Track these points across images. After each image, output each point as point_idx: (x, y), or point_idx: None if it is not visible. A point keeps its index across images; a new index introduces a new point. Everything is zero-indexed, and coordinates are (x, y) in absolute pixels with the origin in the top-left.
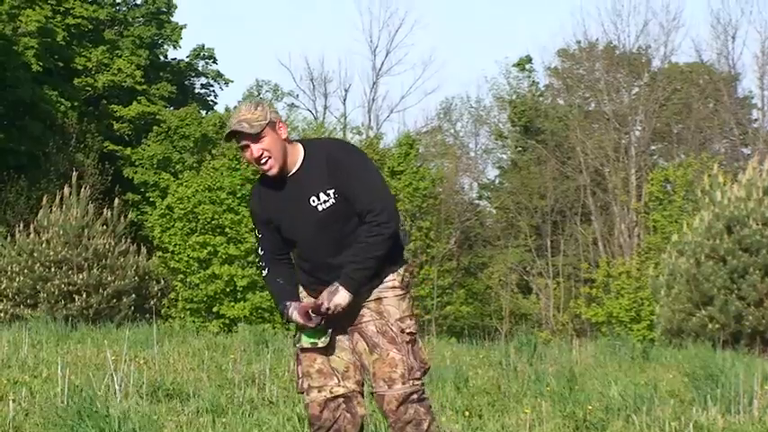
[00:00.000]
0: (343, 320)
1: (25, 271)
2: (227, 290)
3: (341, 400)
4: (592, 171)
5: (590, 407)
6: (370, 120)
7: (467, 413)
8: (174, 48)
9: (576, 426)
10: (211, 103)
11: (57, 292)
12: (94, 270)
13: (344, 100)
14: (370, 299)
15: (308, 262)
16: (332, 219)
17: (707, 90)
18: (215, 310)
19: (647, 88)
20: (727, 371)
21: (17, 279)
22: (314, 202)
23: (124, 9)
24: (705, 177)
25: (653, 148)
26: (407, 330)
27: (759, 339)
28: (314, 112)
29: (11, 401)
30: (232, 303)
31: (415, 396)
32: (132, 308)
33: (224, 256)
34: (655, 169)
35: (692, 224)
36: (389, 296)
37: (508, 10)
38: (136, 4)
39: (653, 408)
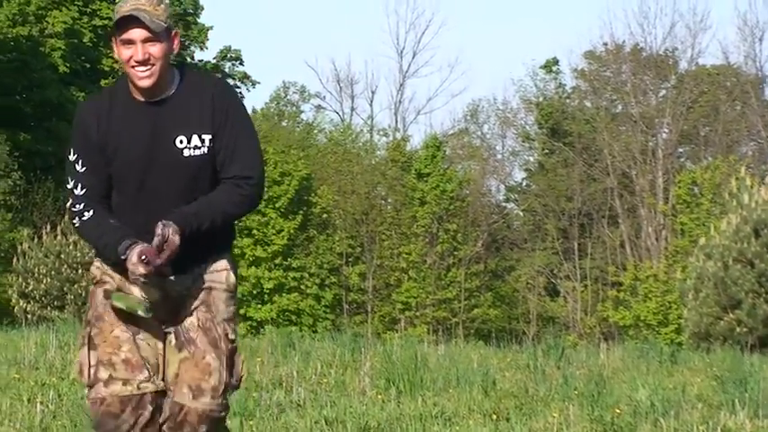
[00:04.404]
0: (164, 309)
1: (52, 273)
2: (254, 292)
3: (148, 398)
4: (619, 174)
5: (618, 410)
6: (396, 122)
7: (494, 416)
8: (201, 49)
9: (605, 429)
10: None
11: (84, 294)
12: None
13: (371, 102)
14: (199, 286)
15: (138, 215)
16: (194, 169)
17: (734, 92)
18: (242, 312)
19: (674, 91)
20: (756, 374)
21: (44, 281)
22: (181, 143)
23: None
24: (732, 180)
25: (680, 150)
26: (231, 336)
27: None
28: (340, 113)
29: (38, 403)
30: (259, 306)
31: (220, 416)
32: None
33: (251, 259)
34: (682, 172)
35: (719, 227)
36: (221, 291)
37: (535, 12)
38: None
39: (681, 411)
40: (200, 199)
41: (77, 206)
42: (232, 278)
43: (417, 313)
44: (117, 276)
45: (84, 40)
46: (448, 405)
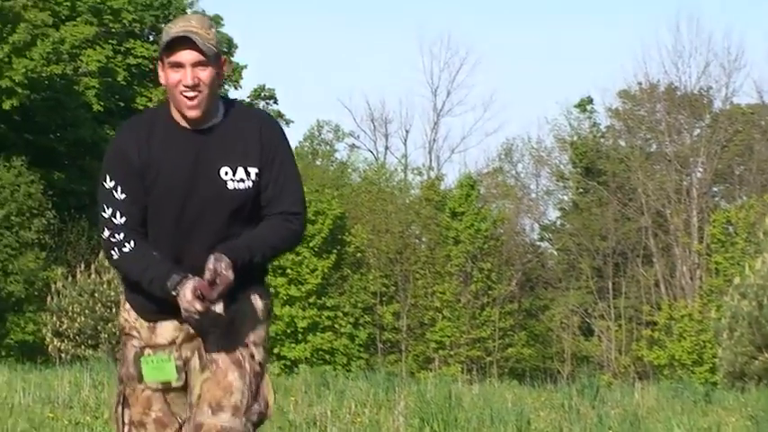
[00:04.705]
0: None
1: (86, 311)
2: (288, 331)
3: None
4: (653, 213)
5: None
6: (430, 160)
7: None
8: (235, 88)
9: None
10: None
11: (118, 333)
12: None
13: (405, 140)
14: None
15: (173, 247)
16: (236, 202)
17: None
18: (276, 351)
19: (708, 130)
20: None
21: (78, 319)
22: (226, 174)
23: None
24: (767, 219)
25: (715, 189)
26: (258, 359)
27: None
28: (375, 152)
29: None
30: (293, 345)
31: None
32: None
33: (285, 298)
34: (716, 211)
35: (754, 266)
36: (246, 315)
37: (569, 51)
38: None
39: None
40: (249, 233)
41: (117, 236)
42: (260, 302)
43: (451, 352)
44: (145, 328)
45: (119, 79)
46: None
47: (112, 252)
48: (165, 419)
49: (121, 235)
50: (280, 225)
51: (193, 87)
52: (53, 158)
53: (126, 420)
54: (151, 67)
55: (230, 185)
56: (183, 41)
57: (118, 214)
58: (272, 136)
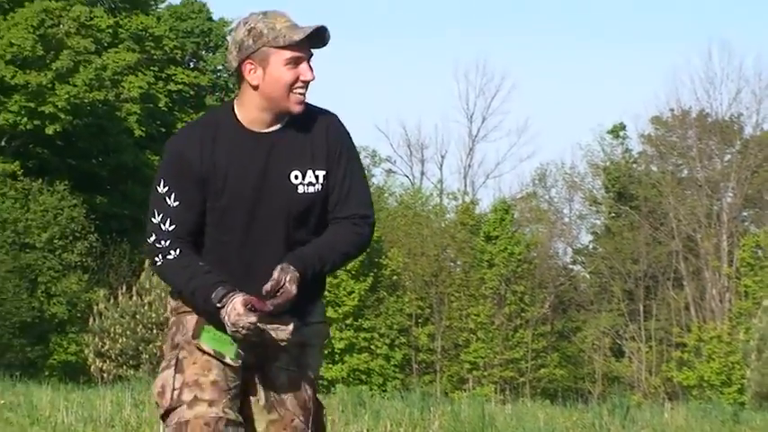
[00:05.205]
0: (253, 354)
1: (128, 332)
2: (325, 352)
3: (223, 422)
4: (684, 237)
5: None
6: (465, 185)
7: None
8: None
9: None
10: None
11: (159, 354)
12: None
13: (441, 166)
14: (296, 339)
15: (239, 257)
16: (305, 206)
17: None
18: None
19: (739, 155)
20: None
21: (120, 340)
22: (296, 178)
23: (225, 75)
24: None
25: (744, 214)
26: (316, 396)
27: None
28: (411, 177)
29: None
30: (330, 365)
31: None
32: None
33: None
34: (746, 235)
35: None
36: (315, 347)
37: (602, 78)
38: None
39: None
40: (318, 240)
41: (162, 242)
42: (326, 330)
43: (485, 373)
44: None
45: (160, 105)
46: None
47: (156, 258)
48: (221, 385)
49: (168, 242)
50: (348, 230)
51: (308, 83)
52: (95, 183)
53: (177, 385)
54: (192, 93)
55: (300, 189)
56: (317, 35)
57: (168, 222)
58: (339, 136)
